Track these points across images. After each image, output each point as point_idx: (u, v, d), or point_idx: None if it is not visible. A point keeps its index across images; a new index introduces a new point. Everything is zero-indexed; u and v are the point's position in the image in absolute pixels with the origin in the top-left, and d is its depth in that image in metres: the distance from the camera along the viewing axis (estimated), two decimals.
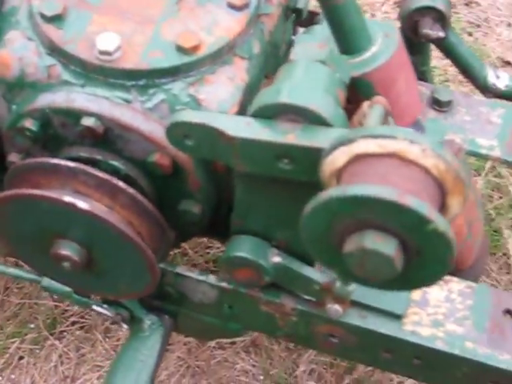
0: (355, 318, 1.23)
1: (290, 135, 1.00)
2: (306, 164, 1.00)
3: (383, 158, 0.92)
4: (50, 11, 1.14)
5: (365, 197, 0.86)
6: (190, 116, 1.05)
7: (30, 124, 1.16)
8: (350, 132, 0.93)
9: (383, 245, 0.87)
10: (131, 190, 1.12)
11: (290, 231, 1.16)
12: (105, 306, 1.31)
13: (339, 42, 1.15)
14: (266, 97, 1.02)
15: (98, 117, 1.11)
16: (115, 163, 1.16)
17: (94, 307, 1.31)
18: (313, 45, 1.08)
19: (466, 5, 2.21)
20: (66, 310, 1.68)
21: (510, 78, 1.49)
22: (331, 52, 1.08)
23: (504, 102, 1.46)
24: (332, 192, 0.89)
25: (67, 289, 1.32)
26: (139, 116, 1.12)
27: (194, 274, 1.27)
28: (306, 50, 1.07)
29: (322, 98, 1.01)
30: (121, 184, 1.12)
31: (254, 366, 1.63)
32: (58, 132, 1.16)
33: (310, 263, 1.20)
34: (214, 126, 1.03)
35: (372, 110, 1.03)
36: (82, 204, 1.09)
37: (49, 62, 1.14)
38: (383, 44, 1.16)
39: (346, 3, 1.11)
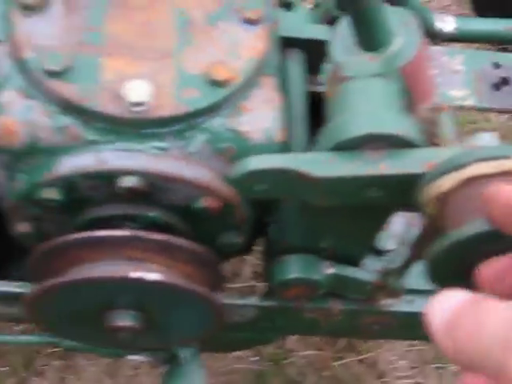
0: (403, 305, 1.23)
1: (381, 165, 0.95)
2: (398, 190, 0.96)
3: (495, 177, 0.90)
4: (56, 65, 0.99)
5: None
6: (264, 162, 0.96)
7: (52, 194, 1.02)
8: (460, 156, 0.90)
9: None
10: (192, 246, 1.03)
11: (336, 238, 1.13)
12: (140, 353, 1.22)
13: (362, 38, 1.08)
14: (343, 130, 0.96)
15: (137, 173, 1.00)
16: (153, 214, 1.06)
17: (130, 357, 1.22)
18: (363, 57, 1.02)
19: None
20: None
21: (455, 19, 1.48)
22: (385, 61, 1.02)
23: (458, 46, 1.47)
24: (469, 230, 0.86)
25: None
26: (180, 163, 1.02)
27: (234, 300, 1.20)
28: (358, 66, 1.01)
29: (401, 120, 0.96)
30: (181, 242, 1.03)
31: (245, 351, 1.60)
32: (84, 195, 1.04)
33: (356, 264, 1.17)
34: (295, 170, 0.96)
35: (442, 118, 1.00)
36: (153, 276, 0.99)
37: (64, 122, 1.00)
38: (406, 34, 1.11)
39: None
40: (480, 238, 0.80)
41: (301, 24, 1.20)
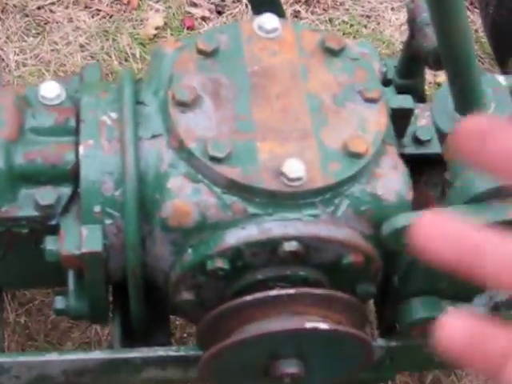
0: None
1: (509, 212, 1.12)
2: None
3: None
4: (220, 152, 1.15)
5: None
6: (411, 219, 1.13)
7: (221, 263, 1.17)
8: None
9: None
10: (347, 297, 1.19)
11: (453, 278, 1.28)
12: None
13: (460, 101, 1.26)
14: (474, 185, 1.13)
15: (297, 239, 1.16)
16: (303, 273, 1.21)
17: None
18: None
19: None
20: None
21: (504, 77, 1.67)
22: None
23: None
24: None
25: None
26: (331, 226, 1.18)
27: None
28: None
29: None
30: (340, 294, 1.18)
31: None
32: (245, 263, 1.19)
33: (470, 300, 1.33)
34: None
35: None
36: (324, 325, 1.15)
37: (229, 200, 1.16)
38: (498, 100, 1.29)
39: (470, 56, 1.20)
40: None
41: (390, 95, 1.38)
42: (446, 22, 1.09)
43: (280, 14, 1.38)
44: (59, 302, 1.30)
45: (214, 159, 1.15)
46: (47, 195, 1.20)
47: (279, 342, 1.19)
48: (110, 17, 2.36)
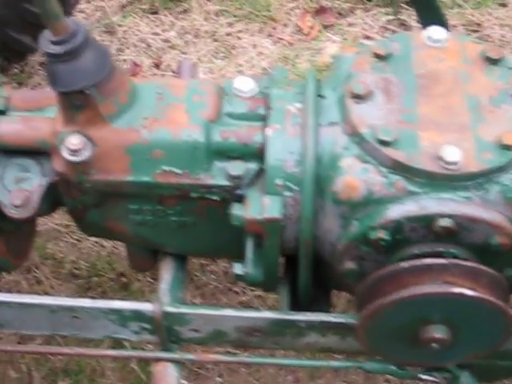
0: None
1: None
2: None
3: None
4: (388, 137, 1.33)
5: None
6: None
7: (383, 234, 1.35)
8: None
9: None
10: (494, 272, 1.34)
11: None
12: (433, 373, 1.51)
13: None
14: None
15: (451, 216, 1.32)
16: (455, 251, 1.37)
17: (423, 376, 1.51)
18: None
19: None
20: None
21: None
22: None
23: None
24: None
25: (392, 367, 1.51)
26: (481, 208, 1.34)
27: None
28: None
29: None
30: (487, 268, 1.33)
31: None
32: (404, 237, 1.36)
33: None
34: None
35: None
36: (470, 292, 1.30)
37: (393, 178, 1.34)
38: None
39: None
40: None
41: None
42: None
43: (444, 25, 1.56)
44: (238, 268, 1.50)
45: (382, 143, 1.34)
46: (237, 168, 1.42)
47: (429, 308, 1.35)
48: (291, 45, 2.61)
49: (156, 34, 2.63)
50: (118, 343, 1.76)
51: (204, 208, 1.49)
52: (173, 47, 2.60)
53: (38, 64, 2.56)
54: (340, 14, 2.70)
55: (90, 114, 1.41)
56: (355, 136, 1.37)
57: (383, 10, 2.71)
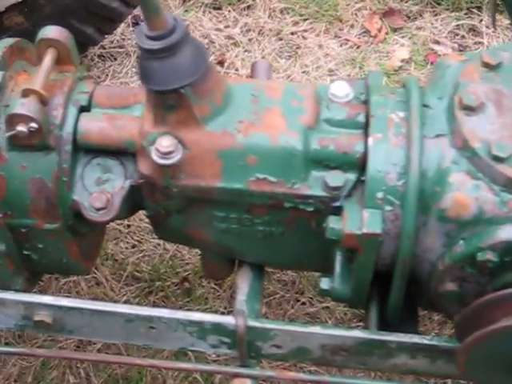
0: None
1: None
2: None
3: None
4: (503, 153, 1.25)
5: None
6: None
7: (491, 256, 1.26)
8: None
9: None
10: None
11: None
12: None
13: None
14: None
15: None
16: None
17: None
18: None
19: None
20: None
21: None
22: None
23: None
24: None
25: None
26: None
27: None
28: None
29: None
30: None
31: None
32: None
33: None
34: None
35: None
36: None
37: (505, 197, 1.25)
38: None
39: None
40: None
41: None
42: None
43: None
44: (325, 283, 1.42)
45: (496, 159, 1.25)
46: (337, 178, 1.34)
47: None
48: (358, 47, 2.52)
49: (219, 30, 2.55)
50: (180, 353, 1.68)
51: (294, 219, 1.41)
52: (236, 44, 2.52)
53: (98, 56, 2.49)
54: (408, 16, 2.61)
55: (182, 114, 1.33)
56: (466, 150, 1.28)
57: (452, 14, 2.62)
